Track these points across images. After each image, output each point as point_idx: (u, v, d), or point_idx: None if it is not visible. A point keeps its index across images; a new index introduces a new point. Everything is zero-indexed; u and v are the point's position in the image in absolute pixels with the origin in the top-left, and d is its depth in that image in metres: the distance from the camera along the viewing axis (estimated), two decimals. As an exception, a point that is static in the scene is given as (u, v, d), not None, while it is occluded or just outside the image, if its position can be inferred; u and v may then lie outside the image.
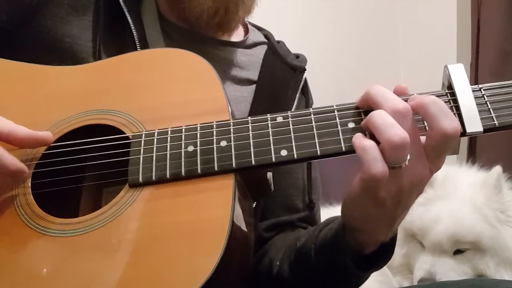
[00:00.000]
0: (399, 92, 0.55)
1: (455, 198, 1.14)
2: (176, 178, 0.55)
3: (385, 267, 0.69)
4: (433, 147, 0.51)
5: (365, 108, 0.55)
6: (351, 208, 0.57)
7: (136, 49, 0.71)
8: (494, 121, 0.53)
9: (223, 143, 0.56)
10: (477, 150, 1.94)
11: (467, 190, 1.15)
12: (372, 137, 0.51)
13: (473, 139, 1.94)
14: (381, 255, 0.61)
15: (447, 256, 1.11)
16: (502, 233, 1.10)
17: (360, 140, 0.51)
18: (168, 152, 0.56)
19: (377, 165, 0.49)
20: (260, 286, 0.74)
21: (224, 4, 0.74)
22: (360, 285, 0.66)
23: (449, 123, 0.50)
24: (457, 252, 1.11)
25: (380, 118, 0.50)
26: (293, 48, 0.92)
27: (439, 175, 1.12)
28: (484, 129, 0.53)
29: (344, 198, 0.58)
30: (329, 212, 1.25)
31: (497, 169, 1.15)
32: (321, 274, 0.64)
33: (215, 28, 0.78)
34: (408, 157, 0.50)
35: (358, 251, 0.60)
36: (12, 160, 0.54)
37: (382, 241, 0.60)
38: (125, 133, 0.59)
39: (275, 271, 0.71)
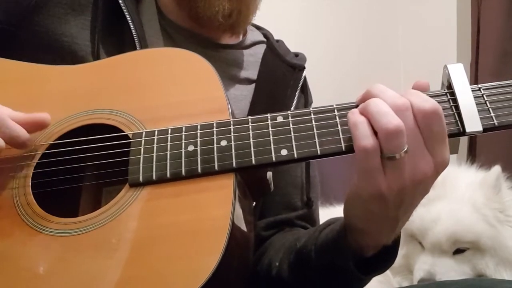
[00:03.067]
0: (420, 88, 0.55)
1: (455, 198, 1.14)
2: (176, 177, 0.55)
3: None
4: (426, 135, 0.51)
5: None
6: (353, 205, 0.57)
7: (135, 49, 0.71)
8: (493, 121, 0.53)
9: (223, 143, 0.56)
10: (477, 150, 1.94)
11: (466, 190, 1.15)
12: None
13: (472, 139, 1.94)
14: (383, 258, 0.61)
15: (447, 256, 1.11)
16: (502, 233, 1.10)
17: (353, 115, 0.52)
18: (168, 152, 0.56)
19: (366, 139, 0.50)
20: (259, 286, 0.74)
21: (238, 7, 0.75)
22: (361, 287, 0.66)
23: (424, 100, 0.51)
24: (457, 252, 1.11)
25: (375, 106, 0.51)
26: (293, 47, 0.92)
27: (438, 175, 1.11)
28: (483, 129, 0.53)
29: (346, 195, 0.58)
30: (329, 212, 1.26)
31: (496, 168, 1.14)
32: (321, 276, 0.64)
33: (226, 29, 0.79)
34: (406, 147, 0.50)
35: (359, 253, 0.60)
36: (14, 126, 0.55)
37: (384, 243, 0.59)
38: (125, 133, 0.59)
39: (275, 272, 0.71)
